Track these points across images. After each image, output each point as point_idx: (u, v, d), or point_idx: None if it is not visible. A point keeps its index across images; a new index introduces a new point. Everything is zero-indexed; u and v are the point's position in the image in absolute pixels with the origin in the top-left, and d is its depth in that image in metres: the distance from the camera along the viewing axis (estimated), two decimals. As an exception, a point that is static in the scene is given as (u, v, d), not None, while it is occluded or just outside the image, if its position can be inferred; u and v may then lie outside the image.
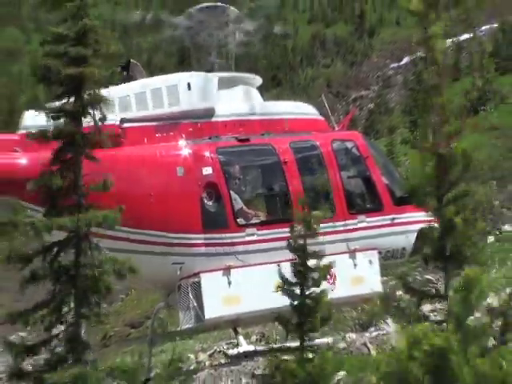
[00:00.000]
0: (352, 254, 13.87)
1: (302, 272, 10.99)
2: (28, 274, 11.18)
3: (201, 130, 13.73)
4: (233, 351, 15.43)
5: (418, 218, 13.74)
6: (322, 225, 11.46)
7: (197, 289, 13.09)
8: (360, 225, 14.27)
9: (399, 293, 10.31)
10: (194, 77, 14.22)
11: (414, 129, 46.56)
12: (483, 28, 69.73)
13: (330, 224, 13.43)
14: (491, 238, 25.41)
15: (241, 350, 14.79)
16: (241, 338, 14.91)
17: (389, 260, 14.92)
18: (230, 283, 13.19)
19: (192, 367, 16.64)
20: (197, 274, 13.34)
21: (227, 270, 13.12)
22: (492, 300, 14.52)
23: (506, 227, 27.32)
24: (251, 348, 15.28)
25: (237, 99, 14.50)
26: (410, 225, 14.46)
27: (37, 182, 10.90)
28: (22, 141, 12.41)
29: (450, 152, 7.95)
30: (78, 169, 11.02)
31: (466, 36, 59.96)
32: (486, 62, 52.06)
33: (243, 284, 13.29)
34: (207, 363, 17.40)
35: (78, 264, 11.01)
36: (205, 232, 13.22)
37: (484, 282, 7.22)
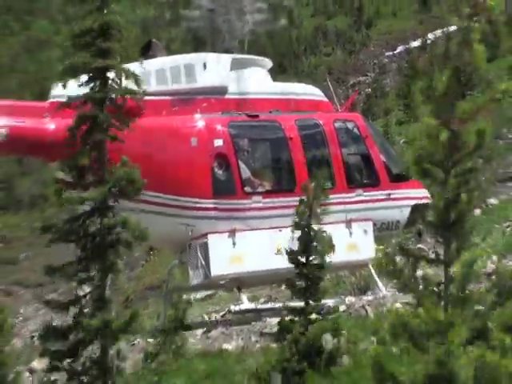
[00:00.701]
0: (348, 223, 14.65)
1: (307, 242, 11.60)
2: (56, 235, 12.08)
3: (214, 106, 14.62)
4: (235, 307, 16.44)
5: (412, 195, 15.23)
6: (330, 195, 12.38)
7: (204, 249, 13.94)
8: (358, 198, 15.09)
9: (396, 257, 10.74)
10: (210, 57, 15.16)
11: (407, 111, 50.05)
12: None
13: (336, 197, 13.88)
14: (477, 211, 26.70)
15: (242, 307, 15.70)
16: (243, 296, 15.64)
17: (384, 231, 15.76)
18: (234, 244, 14.09)
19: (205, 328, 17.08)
20: (205, 235, 14.20)
21: (232, 233, 14.01)
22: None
23: (491, 201, 29.41)
24: (252, 306, 16.35)
25: (248, 79, 15.26)
26: (404, 200, 15.53)
27: (67, 162, 11.89)
28: (51, 108, 13.39)
29: (464, 130, 8.09)
30: (104, 149, 11.94)
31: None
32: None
33: (247, 246, 14.18)
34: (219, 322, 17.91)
35: (102, 229, 11.81)
36: (214, 197, 14.08)
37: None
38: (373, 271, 14.88)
